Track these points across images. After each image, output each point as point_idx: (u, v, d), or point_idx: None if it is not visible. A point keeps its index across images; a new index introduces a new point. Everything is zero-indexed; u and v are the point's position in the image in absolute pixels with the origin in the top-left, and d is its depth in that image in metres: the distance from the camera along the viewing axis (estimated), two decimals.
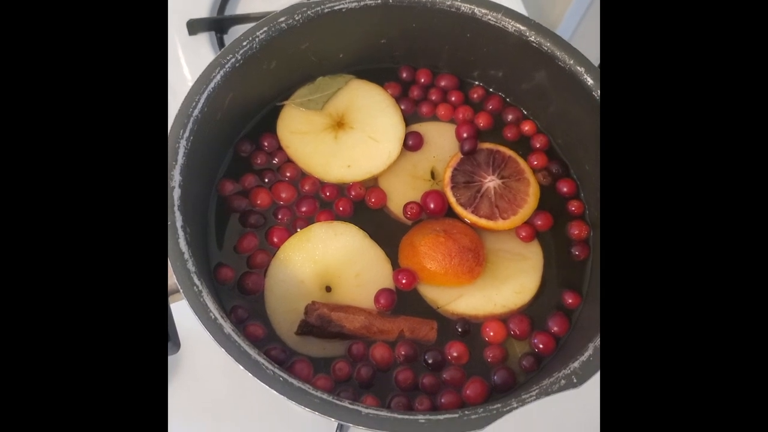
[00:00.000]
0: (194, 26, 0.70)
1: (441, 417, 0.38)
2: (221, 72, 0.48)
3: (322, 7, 0.51)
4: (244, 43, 0.49)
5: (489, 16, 0.53)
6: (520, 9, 0.78)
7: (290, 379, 0.38)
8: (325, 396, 0.38)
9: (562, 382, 0.40)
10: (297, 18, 0.51)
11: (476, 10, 0.53)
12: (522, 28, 0.52)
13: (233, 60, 0.49)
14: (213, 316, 0.40)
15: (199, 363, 0.55)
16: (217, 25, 0.72)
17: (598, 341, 0.42)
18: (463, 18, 0.53)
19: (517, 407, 0.38)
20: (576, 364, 0.40)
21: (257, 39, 0.50)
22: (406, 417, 0.37)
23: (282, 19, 0.50)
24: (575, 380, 0.40)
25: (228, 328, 0.39)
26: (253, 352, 0.39)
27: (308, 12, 0.51)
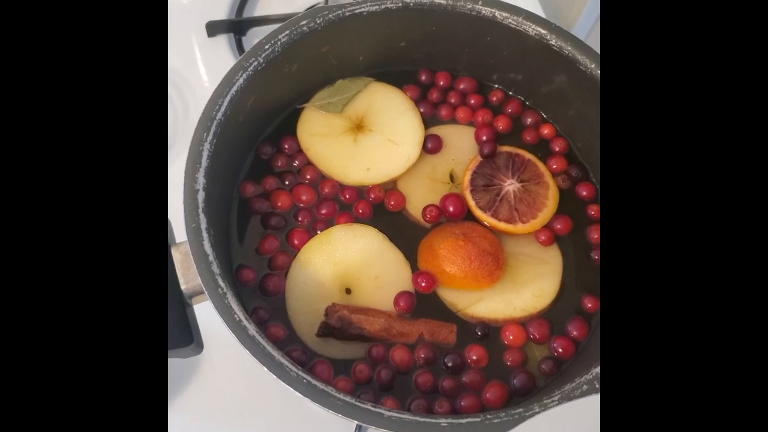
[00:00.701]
0: (213, 28, 0.71)
1: (463, 421, 0.38)
2: (244, 75, 0.48)
3: (343, 10, 0.52)
4: (267, 47, 0.49)
5: (509, 20, 0.53)
6: (537, 8, 0.77)
7: (314, 381, 0.38)
8: (347, 398, 0.38)
9: (585, 387, 0.40)
10: (318, 21, 0.51)
11: (497, 13, 0.53)
12: (543, 31, 0.52)
13: (255, 63, 0.49)
14: (237, 318, 0.40)
15: (221, 363, 0.56)
16: (235, 27, 0.72)
17: None
18: (483, 21, 0.53)
19: (539, 411, 0.38)
20: (598, 369, 0.40)
21: (279, 42, 0.50)
22: (428, 420, 0.38)
23: (304, 22, 0.51)
24: (597, 385, 0.40)
25: (252, 329, 0.40)
26: (277, 354, 0.39)
27: (330, 15, 0.51)
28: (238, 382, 0.56)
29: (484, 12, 0.53)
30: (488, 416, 0.38)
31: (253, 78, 0.49)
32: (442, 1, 0.53)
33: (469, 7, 0.53)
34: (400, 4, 0.53)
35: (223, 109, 0.47)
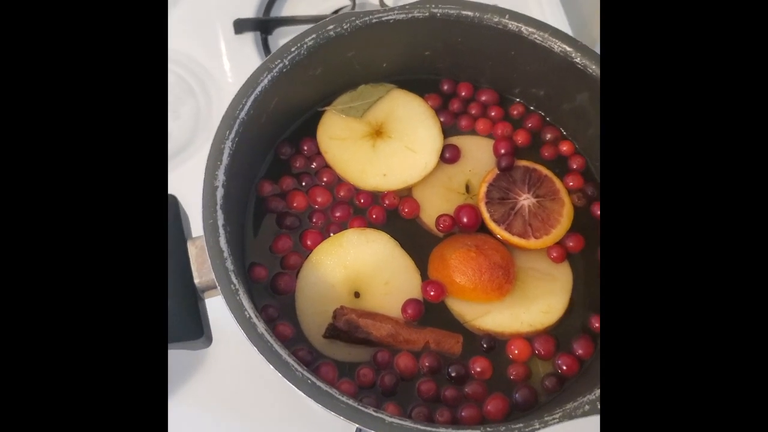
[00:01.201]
0: (240, 25, 0.72)
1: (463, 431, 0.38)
2: (269, 76, 0.49)
3: (370, 17, 0.52)
4: (293, 49, 0.50)
5: (535, 35, 0.53)
6: (563, 22, 0.77)
7: (318, 383, 0.39)
8: (350, 402, 0.39)
9: (587, 407, 0.40)
10: (345, 27, 0.52)
11: (523, 28, 0.53)
12: (568, 49, 0.52)
13: (281, 65, 0.50)
14: (248, 315, 0.41)
15: (228, 358, 0.57)
16: (262, 25, 0.73)
17: None
18: (509, 35, 0.54)
19: (539, 428, 0.39)
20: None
21: (305, 45, 0.51)
22: (430, 429, 0.38)
23: (331, 27, 0.51)
24: (599, 406, 0.40)
25: (261, 327, 0.40)
26: (283, 353, 0.40)
27: (357, 21, 0.52)
28: (243, 378, 0.57)
29: (510, 26, 0.53)
30: (488, 429, 0.39)
31: (277, 80, 0.50)
32: (470, 13, 0.53)
33: (496, 20, 0.53)
34: (427, 14, 0.53)
35: (246, 108, 0.48)
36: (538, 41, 0.53)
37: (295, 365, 0.39)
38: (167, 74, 0.64)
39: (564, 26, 0.77)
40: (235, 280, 0.42)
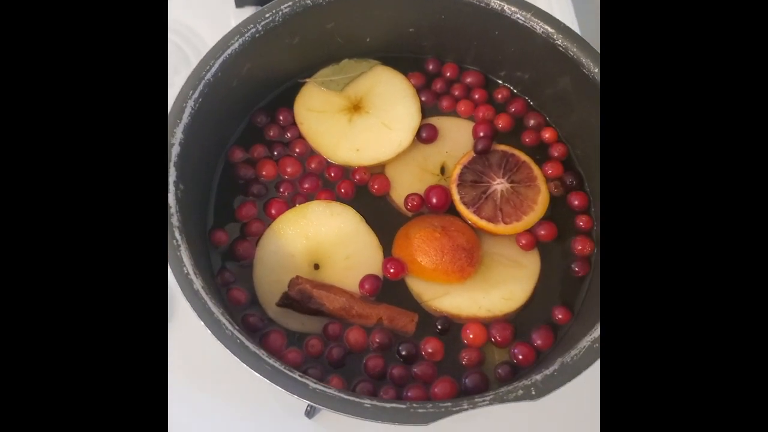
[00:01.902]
0: None
1: (387, 405, 0.37)
2: (240, 40, 0.49)
3: None
4: (267, 15, 0.50)
5: (518, 15, 0.51)
6: (573, 21, 0.75)
7: (246, 343, 0.39)
8: (276, 364, 0.38)
9: (520, 392, 0.38)
10: None
11: (506, 7, 0.51)
12: (550, 30, 0.51)
13: (253, 30, 0.50)
14: (186, 271, 0.41)
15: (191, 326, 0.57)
16: (265, 1, 0.73)
17: (567, 357, 0.40)
18: (491, 14, 0.52)
19: (467, 408, 0.37)
20: (538, 377, 0.39)
21: (281, 12, 0.50)
22: (352, 399, 0.37)
23: None
24: (533, 392, 0.38)
25: (198, 284, 0.40)
26: (216, 311, 0.40)
27: None
28: (204, 347, 0.56)
29: (493, 4, 0.52)
30: (414, 405, 0.37)
31: (249, 44, 0.50)
32: None
33: None
34: None
35: (213, 70, 0.48)
36: (520, 21, 0.51)
37: (227, 324, 0.39)
38: (167, 50, 0.65)
39: (573, 26, 0.74)
40: (178, 236, 0.42)
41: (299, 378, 0.38)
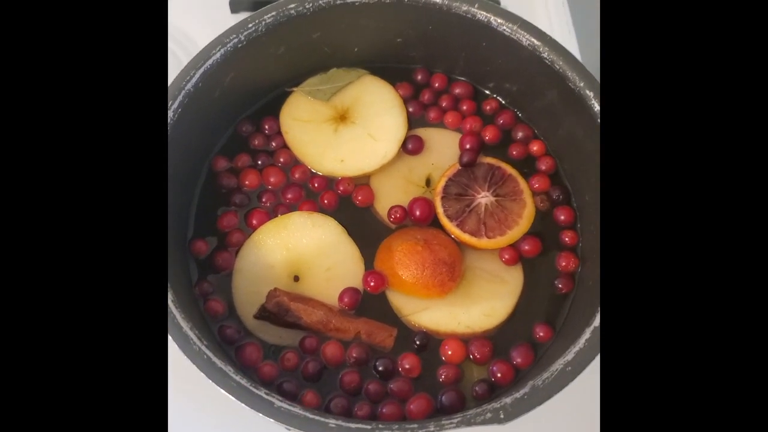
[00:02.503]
0: (236, 5, 0.72)
1: (352, 425, 0.37)
2: (222, 50, 0.49)
3: None
4: (250, 25, 0.50)
5: (504, 27, 0.51)
6: (573, 46, 0.73)
7: (213, 359, 0.38)
8: (242, 382, 0.38)
9: (488, 415, 0.38)
10: (307, 6, 0.51)
11: (492, 19, 0.51)
12: (536, 43, 0.50)
13: (236, 40, 0.49)
14: None
15: None
16: (259, 6, 0.73)
17: (539, 380, 0.39)
18: (478, 26, 0.51)
19: (433, 431, 0.37)
20: (507, 400, 0.38)
21: (263, 22, 0.50)
22: (317, 418, 0.37)
23: (292, 5, 0.51)
24: (502, 416, 0.38)
25: (169, 297, 0.40)
26: (185, 326, 0.39)
27: (319, 2, 0.51)
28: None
29: (479, 16, 0.51)
30: (380, 426, 0.37)
31: (232, 55, 0.49)
32: (437, 0, 0.51)
33: (465, 9, 0.51)
34: None
35: (194, 80, 0.48)
36: (506, 33, 0.51)
37: (194, 339, 0.39)
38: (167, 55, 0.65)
39: (574, 51, 0.72)
40: None
41: (264, 396, 0.38)
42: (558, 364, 0.40)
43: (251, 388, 0.38)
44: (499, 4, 0.69)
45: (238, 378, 0.38)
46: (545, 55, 0.49)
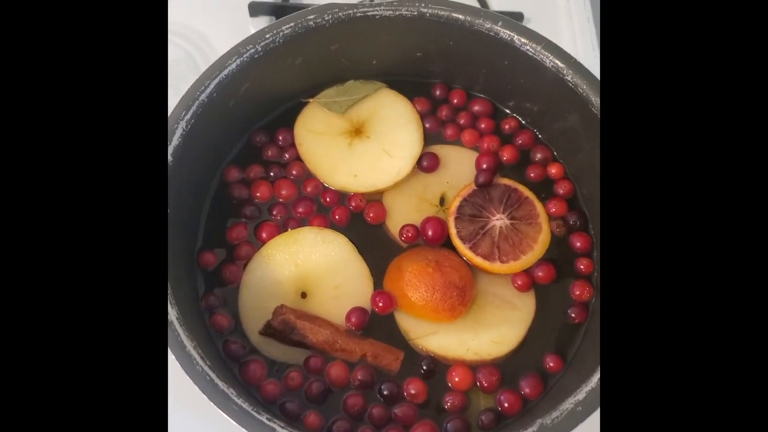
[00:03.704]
0: (255, 8, 0.71)
1: None
2: (237, 61, 0.48)
3: (354, 10, 0.50)
4: (268, 36, 0.49)
5: (528, 47, 0.49)
6: (593, 41, 0.72)
7: (216, 380, 0.38)
8: (244, 405, 0.37)
9: None
10: (327, 18, 0.50)
11: (515, 38, 0.49)
12: (560, 65, 0.48)
13: (252, 51, 0.48)
14: None
15: None
16: (278, 10, 0.72)
17: (547, 419, 0.38)
18: (501, 44, 0.50)
19: None
20: None
21: (281, 33, 0.49)
22: None
23: (311, 17, 0.50)
24: None
25: (173, 315, 0.40)
26: (189, 344, 0.39)
27: (339, 14, 0.50)
28: None
29: (502, 34, 0.50)
30: None
31: (248, 65, 0.49)
32: (460, 16, 0.50)
33: (488, 26, 0.50)
34: (416, 13, 0.50)
35: (208, 90, 0.47)
36: (530, 53, 0.49)
37: (198, 359, 0.38)
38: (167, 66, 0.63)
39: (593, 45, 0.71)
40: None
41: (266, 422, 0.37)
42: (569, 403, 0.38)
43: (253, 413, 0.37)
44: (521, 19, 0.68)
45: (240, 402, 0.37)
46: (569, 78, 0.48)
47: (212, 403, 0.37)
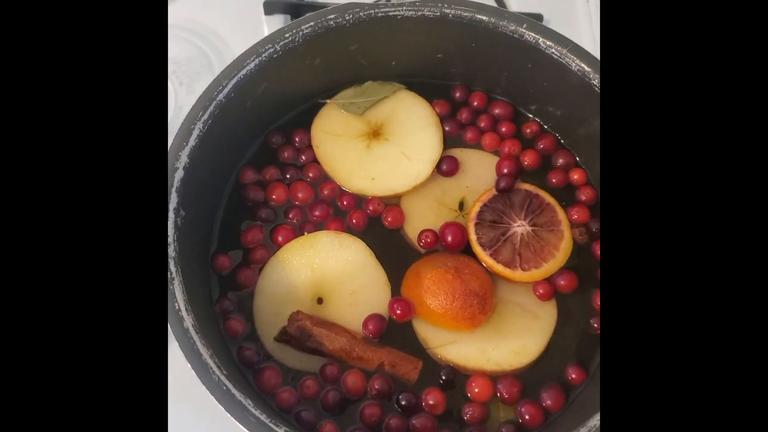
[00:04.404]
0: (271, 6, 0.70)
1: None
2: (256, 60, 0.47)
3: (375, 10, 0.49)
4: (287, 35, 0.48)
5: (553, 50, 0.48)
6: None
7: (232, 390, 0.37)
8: (261, 417, 0.36)
9: None
10: (347, 18, 0.49)
11: (540, 40, 0.48)
12: (586, 69, 0.47)
13: (271, 50, 0.47)
14: (177, 307, 0.39)
15: None
16: (293, 9, 0.71)
17: None
18: (525, 46, 0.49)
19: None
20: None
21: (301, 33, 0.48)
22: None
23: (331, 16, 0.48)
24: None
25: (188, 322, 0.38)
26: (205, 353, 0.38)
27: (360, 13, 0.49)
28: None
29: (527, 37, 0.48)
30: None
31: (266, 65, 0.47)
32: (484, 18, 0.49)
33: (512, 28, 0.49)
34: (438, 14, 0.49)
35: (226, 90, 0.46)
36: (555, 56, 0.48)
37: (214, 368, 0.37)
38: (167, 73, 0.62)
39: None
40: (173, 268, 0.40)
41: None
42: (595, 420, 0.37)
43: (271, 425, 0.36)
44: (541, 21, 0.66)
45: (257, 413, 0.36)
46: (595, 82, 0.47)
47: (228, 413, 0.36)
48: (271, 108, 0.53)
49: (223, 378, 0.37)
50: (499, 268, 0.49)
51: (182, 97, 0.68)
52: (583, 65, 0.47)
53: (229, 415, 0.36)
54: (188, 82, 0.68)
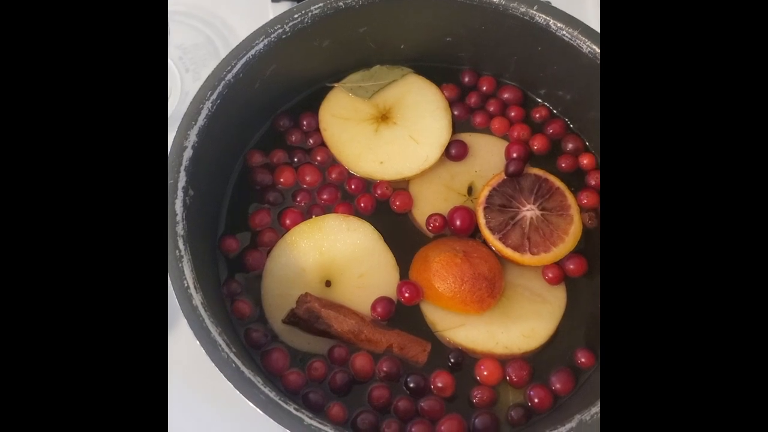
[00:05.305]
0: None
1: None
2: (265, 41, 0.47)
3: None
4: (296, 16, 0.47)
5: (564, 32, 0.48)
6: None
7: (241, 368, 0.36)
8: (271, 395, 0.36)
9: None
10: None
11: (551, 22, 0.48)
12: (598, 51, 0.47)
13: (281, 31, 0.47)
14: (186, 284, 0.39)
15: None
16: None
17: (586, 416, 0.37)
18: (535, 29, 0.49)
19: None
20: None
21: (310, 14, 0.48)
22: None
23: None
24: None
25: (197, 300, 0.38)
26: (214, 330, 0.37)
27: None
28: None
29: (537, 18, 0.48)
30: None
31: (275, 46, 0.47)
32: (494, 0, 0.48)
33: (523, 10, 0.48)
34: None
35: (234, 71, 0.46)
36: (566, 38, 0.48)
37: (223, 345, 0.37)
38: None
39: None
40: (181, 246, 0.40)
41: (294, 411, 0.35)
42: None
43: (280, 402, 0.36)
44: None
45: (266, 390, 0.36)
46: None
47: (238, 391, 0.36)
48: (279, 90, 0.53)
49: (232, 355, 0.37)
50: (508, 252, 0.49)
51: (188, 83, 0.68)
52: (594, 47, 0.47)
53: (238, 392, 0.36)
54: (194, 69, 0.68)
